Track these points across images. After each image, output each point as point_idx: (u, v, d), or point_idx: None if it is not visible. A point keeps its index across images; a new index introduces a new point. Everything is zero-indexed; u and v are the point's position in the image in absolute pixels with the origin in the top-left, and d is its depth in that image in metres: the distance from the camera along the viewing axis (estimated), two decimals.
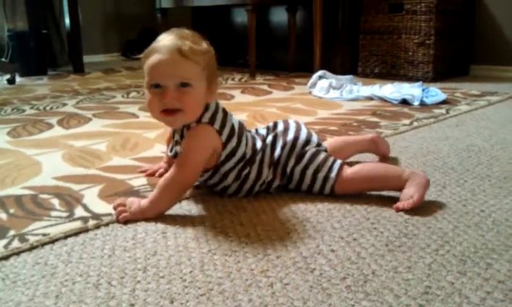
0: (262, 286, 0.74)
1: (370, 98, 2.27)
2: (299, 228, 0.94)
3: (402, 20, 2.80)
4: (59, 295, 0.73)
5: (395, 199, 1.04)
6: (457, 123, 1.79)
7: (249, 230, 0.94)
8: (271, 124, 1.17)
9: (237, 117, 1.11)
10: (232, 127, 1.05)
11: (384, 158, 1.36)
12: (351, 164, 1.15)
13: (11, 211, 1.04)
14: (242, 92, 2.57)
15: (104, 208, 1.05)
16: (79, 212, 1.03)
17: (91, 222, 0.97)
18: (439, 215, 0.99)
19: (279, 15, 3.38)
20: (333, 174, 1.08)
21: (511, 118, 1.85)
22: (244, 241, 0.89)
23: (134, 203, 1.00)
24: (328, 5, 2.99)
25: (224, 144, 1.03)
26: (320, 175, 1.09)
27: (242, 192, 1.10)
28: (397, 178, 1.07)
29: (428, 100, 2.12)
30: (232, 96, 2.44)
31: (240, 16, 3.57)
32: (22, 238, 0.91)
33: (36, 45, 3.39)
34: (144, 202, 1.00)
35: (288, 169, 1.11)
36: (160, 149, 1.48)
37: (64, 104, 2.30)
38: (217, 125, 1.02)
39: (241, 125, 1.09)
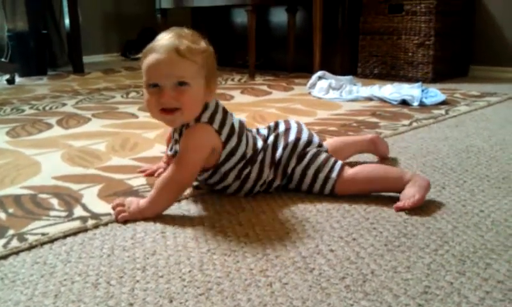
0: (261, 285, 0.74)
1: (370, 99, 2.27)
2: (298, 227, 0.94)
3: (402, 20, 2.80)
4: (58, 295, 0.73)
5: (395, 200, 1.04)
6: (457, 124, 1.79)
7: (248, 230, 0.94)
8: (272, 124, 1.17)
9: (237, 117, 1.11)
10: (232, 126, 1.05)
11: (384, 158, 1.36)
12: (350, 165, 1.15)
13: (10, 210, 1.04)
14: (242, 92, 2.57)
15: (103, 207, 1.05)
16: (78, 211, 1.03)
17: (90, 222, 0.97)
18: (438, 215, 0.99)
19: (279, 16, 3.38)
20: (334, 175, 1.08)
21: (510, 119, 1.86)
22: (243, 241, 0.89)
23: (132, 202, 1.00)
24: (327, 6, 2.98)
25: (224, 144, 1.03)
26: (321, 175, 1.09)
27: (243, 192, 1.10)
28: (398, 179, 1.07)
29: (427, 101, 2.12)
30: (232, 97, 2.44)
31: (240, 17, 3.57)
32: (21, 237, 0.91)
33: (36, 45, 3.39)
34: (142, 202, 1.00)
35: (289, 169, 1.11)
36: (160, 150, 1.48)
37: (64, 104, 2.30)
38: (216, 125, 1.02)
39: (242, 125, 1.08)
